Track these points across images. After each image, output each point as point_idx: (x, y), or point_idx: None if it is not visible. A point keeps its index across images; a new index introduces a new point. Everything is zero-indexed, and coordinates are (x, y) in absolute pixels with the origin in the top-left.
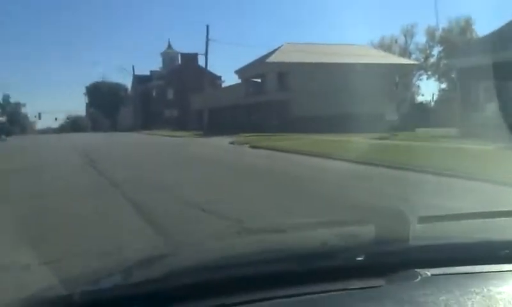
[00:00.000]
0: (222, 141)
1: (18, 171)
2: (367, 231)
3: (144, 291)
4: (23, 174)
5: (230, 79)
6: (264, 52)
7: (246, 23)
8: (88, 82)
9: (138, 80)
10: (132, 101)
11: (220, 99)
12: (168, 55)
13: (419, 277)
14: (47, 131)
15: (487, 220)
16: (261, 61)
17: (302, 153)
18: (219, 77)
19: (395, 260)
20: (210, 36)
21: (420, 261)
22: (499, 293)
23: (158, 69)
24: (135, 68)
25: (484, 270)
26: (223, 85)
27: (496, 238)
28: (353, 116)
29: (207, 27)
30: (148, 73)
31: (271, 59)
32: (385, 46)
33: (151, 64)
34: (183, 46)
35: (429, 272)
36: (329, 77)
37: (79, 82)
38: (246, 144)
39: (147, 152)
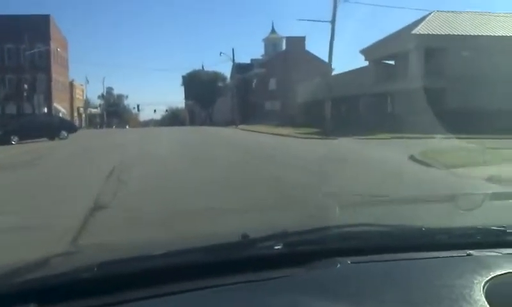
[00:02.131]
0: (381, 152)
1: None
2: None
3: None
4: None
5: (340, 67)
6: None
7: None
8: (186, 72)
9: (237, 68)
10: (229, 91)
11: (340, 87)
12: (271, 41)
13: (338, 265)
14: (149, 123)
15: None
16: (398, 35)
17: None
18: (329, 64)
19: (314, 249)
20: (319, 17)
21: (340, 250)
22: (417, 280)
23: (260, 57)
24: (235, 56)
25: (403, 258)
26: (333, 73)
27: (412, 225)
28: None
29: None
30: (249, 61)
31: (416, 31)
32: None
33: (253, 52)
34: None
35: (349, 260)
36: (498, 57)
37: (179, 72)
38: (462, 166)
39: (262, 173)
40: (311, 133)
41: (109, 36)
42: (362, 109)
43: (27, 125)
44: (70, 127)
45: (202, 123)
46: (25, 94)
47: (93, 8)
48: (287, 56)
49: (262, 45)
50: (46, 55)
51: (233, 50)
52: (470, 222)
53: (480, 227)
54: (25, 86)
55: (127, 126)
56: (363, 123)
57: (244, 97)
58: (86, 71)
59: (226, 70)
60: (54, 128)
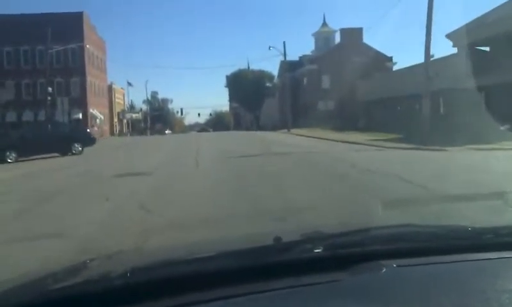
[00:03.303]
0: None
1: None
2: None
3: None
4: None
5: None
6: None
7: None
8: (231, 72)
9: (286, 66)
10: (278, 91)
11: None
12: (322, 35)
13: (383, 269)
14: (194, 127)
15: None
16: (498, 13)
17: None
18: (390, 58)
19: (357, 252)
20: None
21: (384, 252)
22: (469, 284)
23: (310, 53)
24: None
25: (452, 260)
26: (394, 68)
27: (459, 225)
28: None
29: None
30: (297, 58)
31: None
32: None
33: (301, 48)
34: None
35: (394, 263)
36: None
37: (224, 71)
38: None
39: None
40: (394, 141)
41: (150, 37)
42: (454, 107)
43: (29, 136)
44: (85, 138)
45: (248, 128)
46: (49, 98)
47: (133, 9)
48: (342, 50)
49: (312, 40)
50: (79, 56)
51: (284, 43)
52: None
53: None
54: (50, 89)
55: (167, 131)
56: (460, 126)
57: (294, 97)
58: (127, 75)
59: (273, 69)
60: (63, 139)
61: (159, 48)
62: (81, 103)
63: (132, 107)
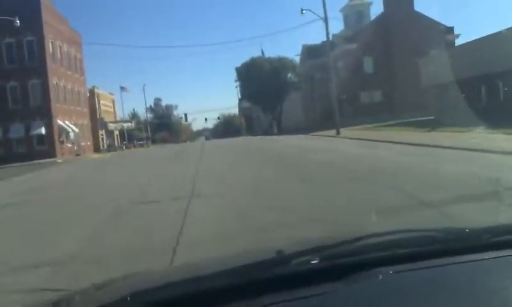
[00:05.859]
0: None
1: None
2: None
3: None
4: None
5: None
6: None
7: None
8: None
9: (308, 51)
10: (303, 84)
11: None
12: (354, 9)
13: (380, 276)
14: (203, 132)
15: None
16: None
17: None
18: (451, 29)
19: (353, 260)
20: None
21: (380, 259)
22: (466, 285)
23: (338, 32)
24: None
25: (448, 262)
26: (457, 43)
27: (454, 227)
28: None
29: None
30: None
31: None
32: None
33: (320, 36)
34: None
35: (390, 269)
36: None
37: (232, 69)
38: None
39: None
40: None
41: (138, 35)
42: None
43: None
44: None
45: (266, 132)
46: None
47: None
48: (388, 23)
49: (340, 17)
50: (38, 51)
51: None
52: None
53: None
54: None
55: (149, 144)
56: None
57: (323, 88)
58: (119, 80)
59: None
60: None
61: (154, 49)
62: (44, 112)
63: (134, 116)
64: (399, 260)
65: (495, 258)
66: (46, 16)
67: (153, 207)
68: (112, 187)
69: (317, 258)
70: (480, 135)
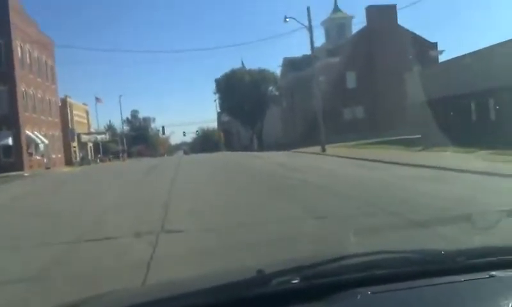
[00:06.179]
0: None
1: None
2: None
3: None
4: None
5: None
6: None
7: None
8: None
9: (290, 64)
10: (284, 98)
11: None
12: (334, 23)
13: (358, 296)
14: (181, 146)
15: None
16: None
17: None
18: (434, 45)
19: (332, 281)
20: None
21: (359, 280)
22: (443, 306)
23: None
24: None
25: (425, 284)
26: (441, 59)
27: (431, 249)
28: None
29: None
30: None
31: None
32: None
33: (304, 44)
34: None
35: (369, 290)
36: None
37: (211, 81)
38: None
39: None
40: None
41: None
42: None
43: None
44: None
45: (246, 147)
46: None
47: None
48: (370, 36)
49: (321, 30)
50: (6, 56)
51: (308, 9)
52: (490, 242)
53: (501, 246)
54: None
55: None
56: None
57: (305, 103)
58: (94, 90)
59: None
60: None
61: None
62: (11, 122)
63: (109, 128)
64: (377, 281)
65: (469, 280)
66: (14, 19)
67: (104, 247)
68: (61, 214)
69: (297, 278)
70: (482, 156)
